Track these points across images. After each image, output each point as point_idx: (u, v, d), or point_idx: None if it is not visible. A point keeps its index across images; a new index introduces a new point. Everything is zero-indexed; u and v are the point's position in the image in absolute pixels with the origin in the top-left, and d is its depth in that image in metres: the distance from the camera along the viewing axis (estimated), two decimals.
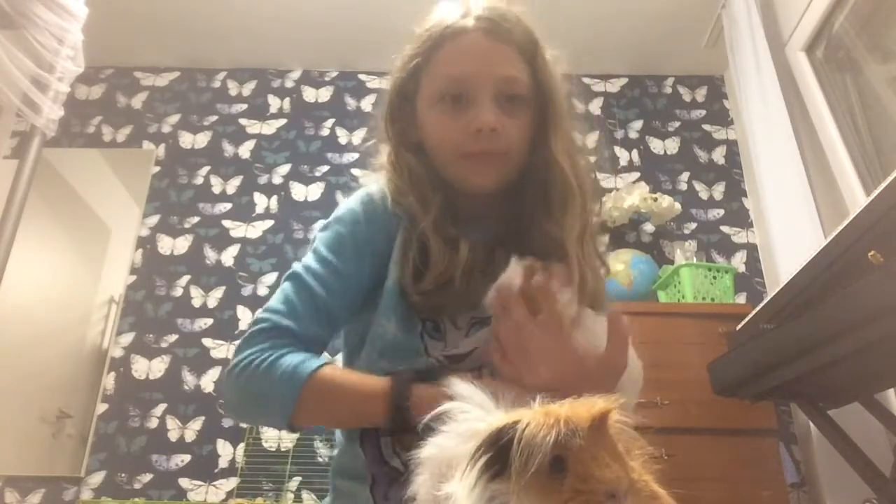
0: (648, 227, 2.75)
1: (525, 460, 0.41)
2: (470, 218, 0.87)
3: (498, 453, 0.43)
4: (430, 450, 0.53)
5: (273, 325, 0.78)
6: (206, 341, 2.56)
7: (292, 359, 0.75)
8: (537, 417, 0.43)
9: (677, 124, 2.98)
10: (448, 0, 0.87)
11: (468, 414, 0.51)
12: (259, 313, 0.81)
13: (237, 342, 0.80)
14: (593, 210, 0.88)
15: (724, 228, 2.77)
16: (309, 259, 0.84)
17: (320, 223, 0.90)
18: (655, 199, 2.60)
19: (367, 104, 3.03)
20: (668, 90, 3.05)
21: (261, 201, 2.83)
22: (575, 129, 0.89)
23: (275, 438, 2.36)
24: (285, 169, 2.90)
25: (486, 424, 0.46)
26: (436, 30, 0.85)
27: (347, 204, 0.88)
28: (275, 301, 0.81)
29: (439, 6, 0.87)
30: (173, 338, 2.57)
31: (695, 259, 2.55)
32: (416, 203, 0.84)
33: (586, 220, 0.85)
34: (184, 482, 2.33)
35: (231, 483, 2.32)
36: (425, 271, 0.81)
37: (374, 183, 0.90)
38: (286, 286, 0.82)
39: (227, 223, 2.79)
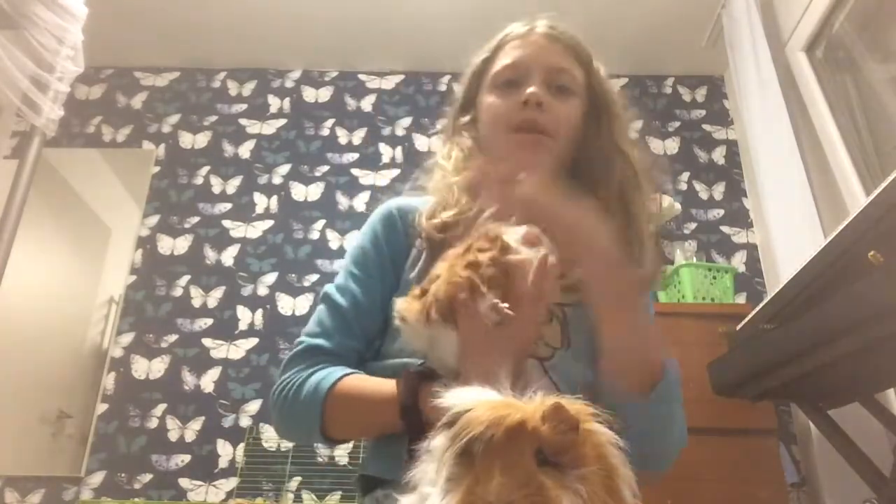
0: (649, 227, 2.74)
1: (450, 449, 0.45)
2: None
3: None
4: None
5: (307, 347, 0.82)
6: (206, 341, 2.55)
7: (318, 376, 0.78)
8: (482, 412, 0.45)
9: (677, 124, 2.98)
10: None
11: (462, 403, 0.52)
12: (298, 338, 0.85)
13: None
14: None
15: (724, 228, 2.77)
16: (339, 276, 0.89)
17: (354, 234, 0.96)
18: (655, 199, 2.59)
19: (367, 104, 3.03)
20: (668, 90, 3.05)
21: (261, 201, 2.83)
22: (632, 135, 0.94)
23: (275, 438, 2.36)
24: (285, 169, 2.89)
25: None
26: (501, 35, 0.95)
27: (370, 218, 0.93)
28: (310, 323, 0.86)
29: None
30: (173, 338, 2.57)
31: (695, 259, 2.54)
32: (457, 166, 0.89)
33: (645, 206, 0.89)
34: (184, 482, 2.33)
35: (231, 483, 2.32)
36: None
37: (399, 197, 0.95)
38: (319, 307, 0.87)
39: (227, 223, 2.79)
